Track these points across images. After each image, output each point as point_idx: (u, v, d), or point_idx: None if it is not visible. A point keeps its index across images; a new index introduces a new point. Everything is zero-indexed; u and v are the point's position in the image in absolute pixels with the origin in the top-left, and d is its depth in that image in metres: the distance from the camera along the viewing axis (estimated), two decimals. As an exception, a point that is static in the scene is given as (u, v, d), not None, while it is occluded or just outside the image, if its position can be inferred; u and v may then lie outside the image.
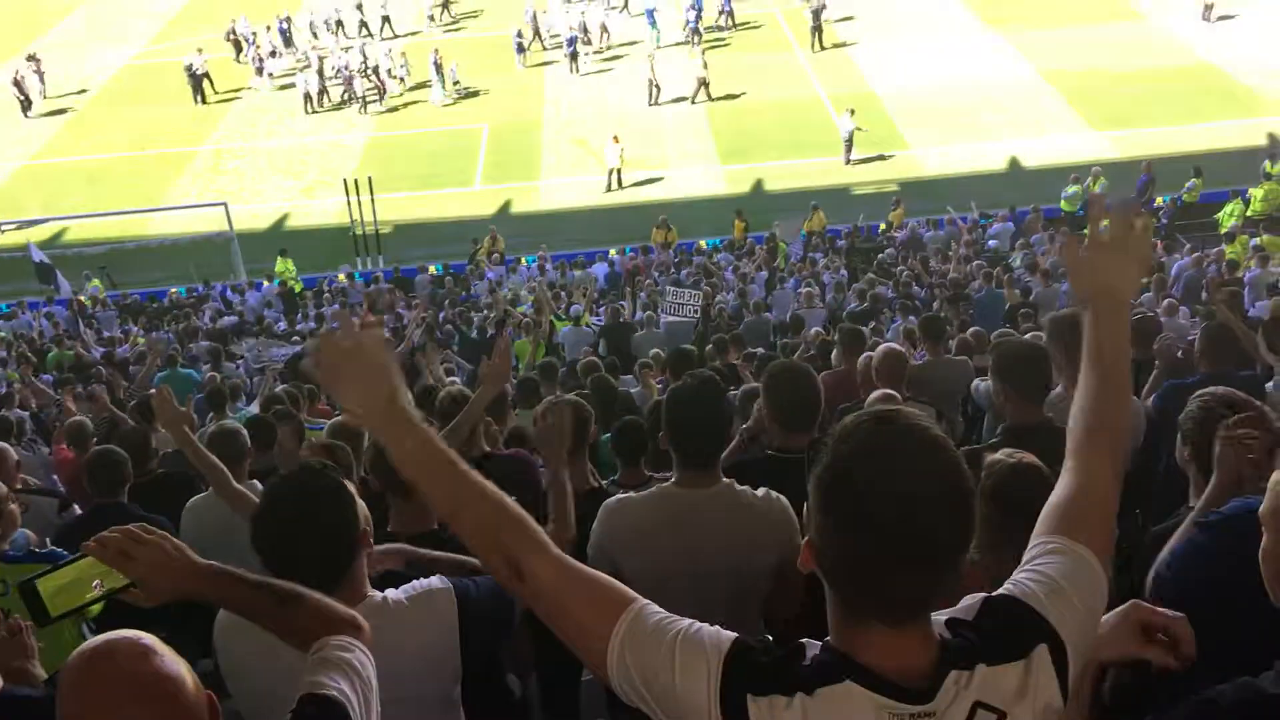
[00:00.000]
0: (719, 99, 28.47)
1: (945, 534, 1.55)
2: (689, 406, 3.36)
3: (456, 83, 29.94)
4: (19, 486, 5.79)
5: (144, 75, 32.27)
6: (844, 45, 31.25)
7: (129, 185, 26.44)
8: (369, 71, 30.02)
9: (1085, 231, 2.18)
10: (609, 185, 24.98)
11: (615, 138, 24.82)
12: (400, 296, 19.99)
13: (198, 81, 30.15)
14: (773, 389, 3.91)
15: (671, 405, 3.43)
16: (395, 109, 29.56)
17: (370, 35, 33.32)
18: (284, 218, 25.18)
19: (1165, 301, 10.99)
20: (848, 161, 25.10)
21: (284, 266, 21.81)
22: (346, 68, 29.91)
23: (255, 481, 5.16)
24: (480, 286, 20.56)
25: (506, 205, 25.06)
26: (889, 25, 32.30)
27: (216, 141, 28.52)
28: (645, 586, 3.39)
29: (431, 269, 22.24)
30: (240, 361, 15.49)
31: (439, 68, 29.46)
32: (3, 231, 24.53)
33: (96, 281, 21.85)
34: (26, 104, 29.91)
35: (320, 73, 30.04)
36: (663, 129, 27.55)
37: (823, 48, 31.13)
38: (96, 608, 2.10)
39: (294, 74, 31.05)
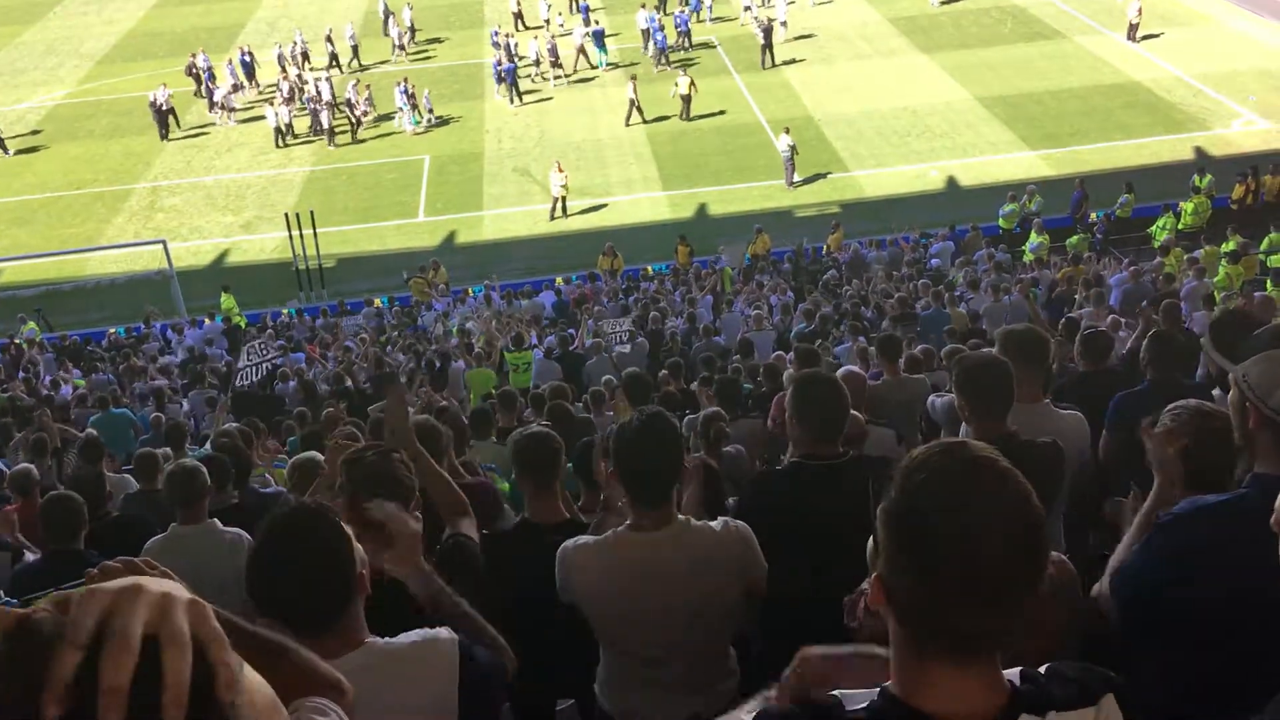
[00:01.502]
0: (653, 120, 28.72)
1: (1014, 568, 1.52)
2: (638, 446, 3.26)
3: (431, 110, 29.76)
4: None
5: (75, 115, 31.71)
6: (789, 63, 31.63)
7: (63, 225, 25.95)
8: (340, 104, 29.59)
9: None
10: (553, 214, 25.00)
11: (558, 166, 24.86)
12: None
13: (163, 116, 29.68)
14: (801, 398, 3.88)
15: (620, 445, 3.31)
16: (363, 140, 29.20)
17: (339, 66, 33.01)
18: (224, 254, 24.84)
19: (1109, 318, 11.21)
20: (791, 184, 25.37)
21: (229, 303, 21.51)
22: (314, 99, 29.62)
23: (215, 520, 5.08)
24: (428, 317, 20.43)
25: (451, 236, 24.97)
26: (825, 50, 32.82)
27: (153, 179, 28.08)
28: (611, 629, 3.43)
29: (377, 301, 22.07)
30: (186, 400, 15.22)
31: (411, 96, 29.31)
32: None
33: (32, 324, 21.33)
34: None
35: (290, 104, 29.72)
36: (605, 156, 27.66)
37: (774, 64, 31.65)
38: None
39: (257, 107, 30.79)
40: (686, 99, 28.73)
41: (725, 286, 20.32)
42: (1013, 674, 1.65)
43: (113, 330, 21.58)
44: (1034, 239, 20.41)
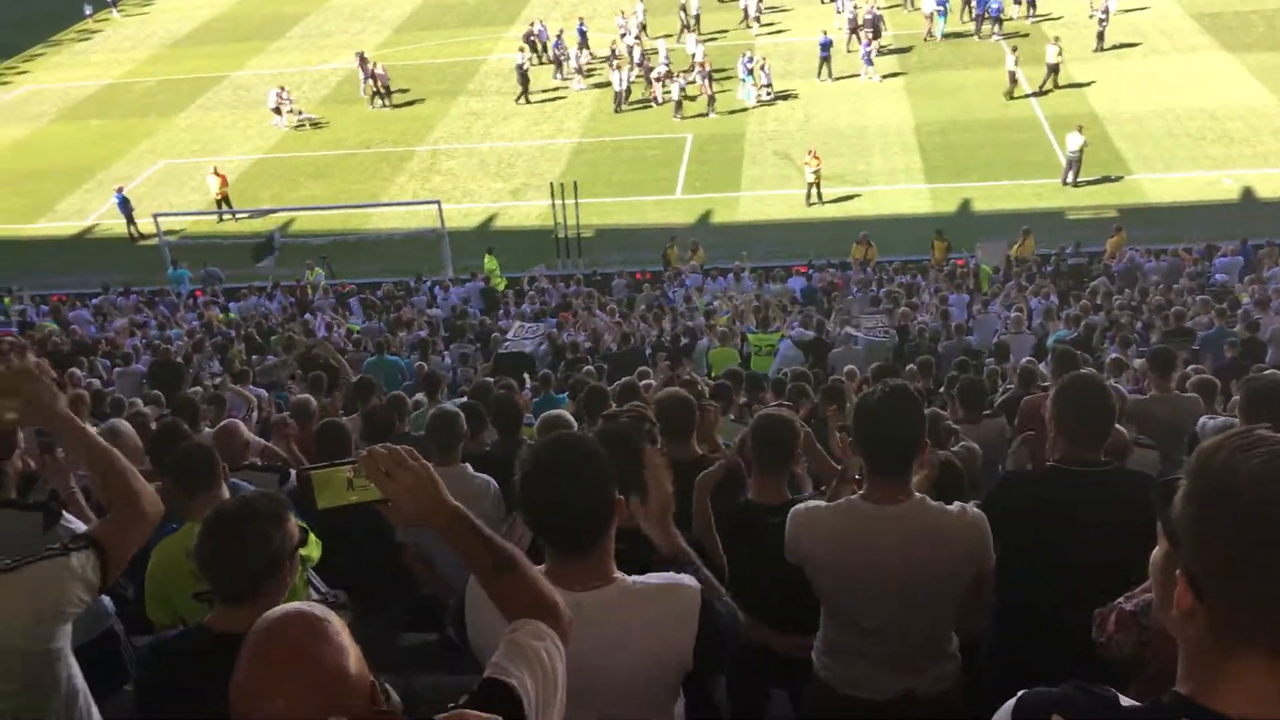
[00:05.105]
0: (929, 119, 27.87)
1: None
2: (879, 415, 3.29)
3: (769, 85, 29.93)
4: (246, 463, 6.21)
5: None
6: (1102, 52, 30.01)
7: (352, 181, 27.97)
8: (699, 75, 29.75)
9: None
10: (809, 199, 24.78)
11: (813, 152, 24.60)
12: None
13: (525, 81, 31.29)
14: (1064, 400, 3.75)
15: (861, 413, 3.37)
16: (705, 115, 29.27)
17: (688, 33, 33.44)
18: (492, 217, 26.07)
19: None
20: (1072, 182, 24.05)
21: (491, 264, 22.59)
22: (660, 66, 30.44)
23: (467, 465, 5.37)
24: (678, 293, 20.74)
25: (707, 214, 25.21)
26: (1118, 44, 30.81)
27: (434, 142, 29.80)
28: (834, 595, 3.44)
29: (629, 273, 22.61)
30: (447, 353, 16.11)
31: (765, 69, 29.61)
32: (237, 219, 26.43)
33: (320, 270, 23.16)
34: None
35: (640, 69, 30.66)
36: (870, 144, 27.13)
37: (1102, 49, 30.43)
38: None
39: (596, 72, 32.04)
40: (1054, 68, 27.91)
41: (983, 286, 19.56)
42: None
43: (387, 283, 23.12)
44: (1342, 261, 18.48)
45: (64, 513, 4.19)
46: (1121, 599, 2.96)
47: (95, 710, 3.13)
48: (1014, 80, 27.88)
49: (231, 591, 2.84)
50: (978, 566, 3.35)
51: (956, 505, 3.36)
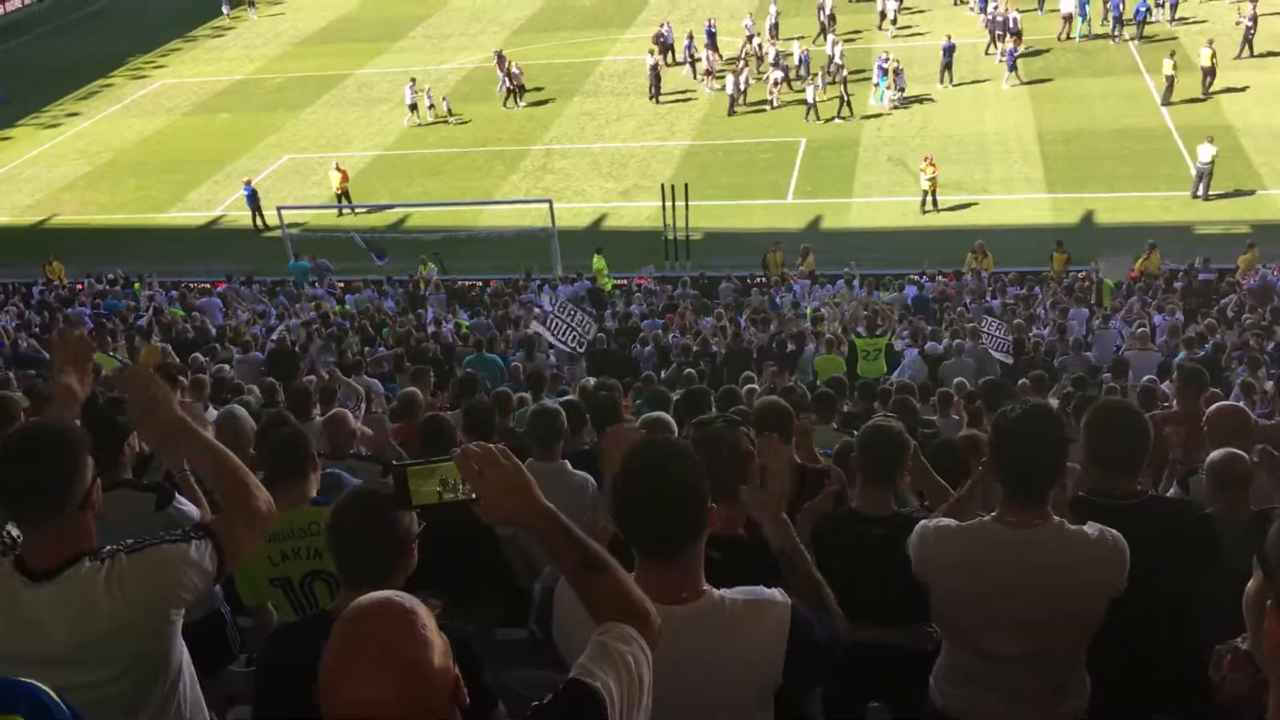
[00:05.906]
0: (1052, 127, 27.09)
1: None
2: (1019, 434, 3.14)
3: (902, 89, 29.45)
4: (351, 452, 6.33)
5: (489, 78, 34.24)
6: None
7: (466, 179, 28.43)
8: (824, 78, 29.53)
9: None
10: (924, 206, 24.31)
11: (929, 159, 24.12)
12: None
13: (657, 80, 31.50)
14: (1095, 428, 3.60)
15: (999, 433, 3.22)
16: (837, 119, 28.84)
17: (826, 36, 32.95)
18: (602, 217, 26.21)
19: None
20: (1202, 195, 23.14)
21: (600, 264, 22.73)
22: (778, 71, 30.34)
23: (566, 462, 5.38)
24: (785, 298, 20.57)
25: (817, 220, 24.93)
26: (1257, 53, 29.50)
27: (548, 142, 30.10)
28: (960, 621, 3.32)
29: (737, 277, 22.50)
30: (552, 352, 16.24)
31: (899, 73, 29.20)
32: (356, 214, 27.13)
33: (433, 265, 23.61)
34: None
35: (776, 69, 30.58)
36: (988, 151, 26.51)
37: (1253, 54, 29.35)
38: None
39: (725, 75, 31.70)
40: (1209, 71, 26.95)
41: (1104, 300, 18.94)
42: None
43: (495, 280, 23.44)
44: None
45: (176, 494, 4.31)
46: (1239, 639, 2.82)
47: (199, 690, 3.20)
48: (1171, 85, 26.89)
49: (358, 575, 2.90)
50: (1113, 589, 3.18)
51: (1093, 528, 3.18)
